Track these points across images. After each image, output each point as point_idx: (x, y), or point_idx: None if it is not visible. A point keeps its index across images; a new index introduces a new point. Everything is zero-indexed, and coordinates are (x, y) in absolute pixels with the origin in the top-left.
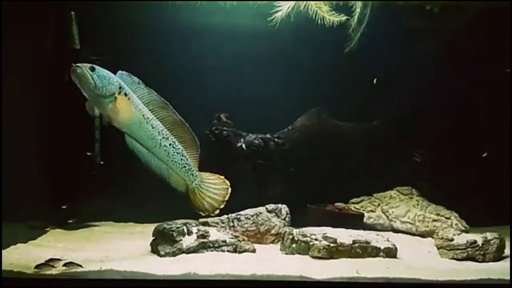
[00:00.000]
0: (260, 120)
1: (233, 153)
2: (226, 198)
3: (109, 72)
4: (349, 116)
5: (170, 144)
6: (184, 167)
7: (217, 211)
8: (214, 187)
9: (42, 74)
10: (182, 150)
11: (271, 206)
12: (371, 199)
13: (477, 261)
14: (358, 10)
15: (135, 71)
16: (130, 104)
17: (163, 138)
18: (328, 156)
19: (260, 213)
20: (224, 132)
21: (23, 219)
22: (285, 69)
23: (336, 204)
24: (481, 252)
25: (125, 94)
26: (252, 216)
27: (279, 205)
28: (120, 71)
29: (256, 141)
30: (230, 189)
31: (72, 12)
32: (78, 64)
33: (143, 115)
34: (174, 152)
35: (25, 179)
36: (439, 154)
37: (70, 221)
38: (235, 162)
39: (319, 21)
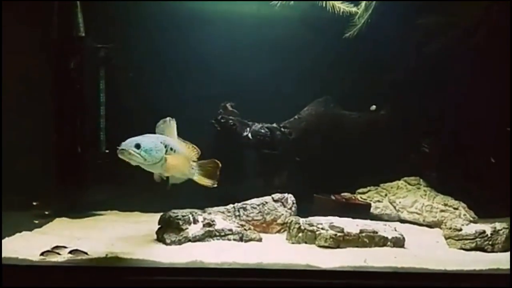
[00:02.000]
0: (266, 109)
1: (239, 142)
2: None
3: (151, 138)
4: (356, 105)
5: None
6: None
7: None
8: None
9: (47, 62)
10: None
11: (277, 196)
12: (378, 189)
13: (485, 251)
14: None
15: (140, 60)
16: (178, 155)
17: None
18: (334, 146)
19: (266, 202)
20: (230, 121)
21: (29, 207)
22: (292, 58)
23: (342, 194)
24: (490, 242)
25: (171, 149)
26: (258, 205)
27: (285, 195)
28: (158, 123)
29: (263, 130)
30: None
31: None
32: (122, 147)
33: (185, 156)
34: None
35: (30, 168)
36: (447, 144)
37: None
38: (241, 151)
39: (328, 10)
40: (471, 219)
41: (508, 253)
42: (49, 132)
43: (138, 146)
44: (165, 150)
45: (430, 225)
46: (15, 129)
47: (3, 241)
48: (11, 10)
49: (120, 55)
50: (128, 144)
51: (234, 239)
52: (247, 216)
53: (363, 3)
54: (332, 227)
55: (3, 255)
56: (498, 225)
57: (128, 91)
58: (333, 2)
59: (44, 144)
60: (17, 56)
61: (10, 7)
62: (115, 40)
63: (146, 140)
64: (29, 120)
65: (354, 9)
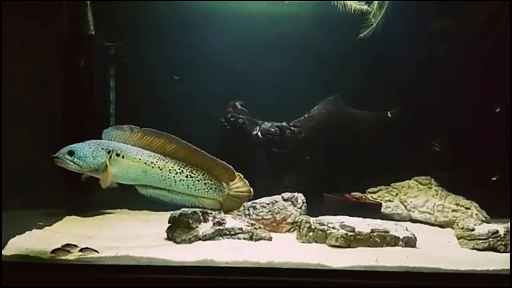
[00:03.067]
0: (276, 107)
1: (248, 141)
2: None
3: (91, 144)
4: (366, 104)
5: (187, 176)
6: (211, 188)
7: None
8: (239, 190)
9: (57, 60)
10: (204, 174)
11: (287, 195)
12: (388, 189)
13: (498, 251)
14: None
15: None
16: (126, 161)
17: (176, 174)
18: (344, 145)
19: (276, 201)
20: (240, 120)
21: (39, 205)
22: (302, 57)
23: (353, 193)
24: (503, 242)
25: (117, 155)
26: (268, 204)
27: (295, 194)
28: (105, 130)
29: (272, 129)
30: (251, 191)
31: None
32: (56, 154)
33: (145, 163)
34: (194, 181)
35: (40, 166)
36: (459, 143)
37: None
38: (251, 150)
39: (339, 7)
40: (483, 219)
41: None
42: (57, 129)
43: (71, 153)
44: (109, 156)
45: (441, 225)
46: (24, 128)
47: (14, 239)
48: (20, 10)
49: (130, 54)
50: (62, 151)
51: (244, 238)
52: (257, 215)
53: (376, 2)
54: (343, 226)
55: (13, 253)
56: None
57: (138, 90)
58: (344, 0)
59: (54, 143)
60: (26, 55)
61: (18, 7)
62: (125, 39)
63: (81, 146)
64: (38, 118)
65: (365, 7)
